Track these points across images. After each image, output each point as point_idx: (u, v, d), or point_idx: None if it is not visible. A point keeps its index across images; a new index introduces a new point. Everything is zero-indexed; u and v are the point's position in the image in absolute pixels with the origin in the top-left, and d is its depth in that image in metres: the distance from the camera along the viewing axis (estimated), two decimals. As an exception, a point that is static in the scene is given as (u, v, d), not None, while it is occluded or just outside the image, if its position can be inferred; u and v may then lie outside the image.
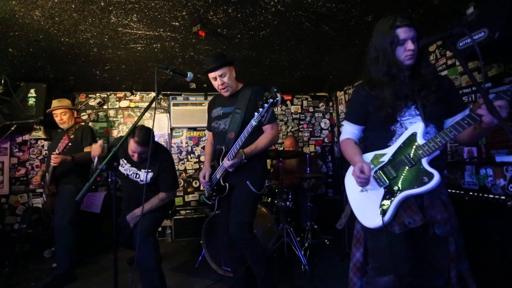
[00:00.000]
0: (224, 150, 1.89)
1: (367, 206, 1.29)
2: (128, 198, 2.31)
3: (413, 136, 1.22)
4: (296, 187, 3.43)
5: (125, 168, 2.19)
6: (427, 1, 2.06)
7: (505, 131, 0.91)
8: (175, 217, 3.89)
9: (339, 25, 2.38)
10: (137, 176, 2.15)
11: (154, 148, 2.18)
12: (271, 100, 1.48)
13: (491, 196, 1.62)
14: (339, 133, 4.52)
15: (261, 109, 1.54)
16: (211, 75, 1.88)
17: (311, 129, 4.68)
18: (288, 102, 4.64)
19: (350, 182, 1.42)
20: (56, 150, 2.51)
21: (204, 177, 2.02)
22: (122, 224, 2.30)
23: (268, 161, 4.45)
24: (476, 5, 1.69)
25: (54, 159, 2.43)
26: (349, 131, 1.45)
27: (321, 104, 4.75)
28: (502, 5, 1.49)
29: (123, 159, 2.20)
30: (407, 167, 1.21)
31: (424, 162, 1.18)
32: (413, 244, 1.25)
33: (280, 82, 4.02)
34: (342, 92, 4.50)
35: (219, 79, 1.86)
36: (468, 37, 1.65)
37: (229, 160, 1.76)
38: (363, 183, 1.25)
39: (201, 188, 4.24)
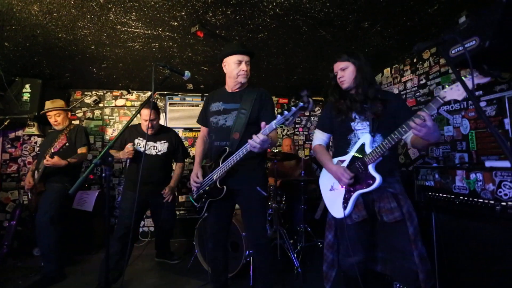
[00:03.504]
0: (228, 150, 1.77)
1: (334, 201, 1.63)
2: (143, 176, 2.45)
3: (362, 146, 1.54)
4: (291, 189, 3.44)
5: (141, 145, 2.52)
6: (422, 10, 2.12)
7: (494, 137, 0.93)
8: (168, 217, 3.87)
9: (336, 30, 2.43)
10: (155, 148, 2.55)
11: (161, 125, 2.66)
12: (301, 104, 1.42)
13: (481, 200, 1.65)
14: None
15: (286, 112, 1.44)
16: (239, 57, 1.81)
17: (306, 133, 4.72)
18: (285, 106, 4.68)
19: (323, 182, 1.75)
20: (52, 149, 2.45)
21: (197, 177, 1.90)
22: (126, 209, 2.46)
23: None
24: (468, 14, 1.74)
25: (49, 160, 2.39)
26: (319, 137, 1.80)
27: (317, 108, 4.79)
28: (492, 14, 1.54)
29: (138, 138, 2.55)
30: (359, 171, 1.52)
31: (370, 167, 1.48)
32: (371, 233, 1.56)
33: (276, 86, 4.06)
34: (338, 97, 4.54)
35: (245, 64, 1.81)
36: (460, 44, 1.69)
37: (258, 137, 1.53)
38: (347, 183, 1.54)
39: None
